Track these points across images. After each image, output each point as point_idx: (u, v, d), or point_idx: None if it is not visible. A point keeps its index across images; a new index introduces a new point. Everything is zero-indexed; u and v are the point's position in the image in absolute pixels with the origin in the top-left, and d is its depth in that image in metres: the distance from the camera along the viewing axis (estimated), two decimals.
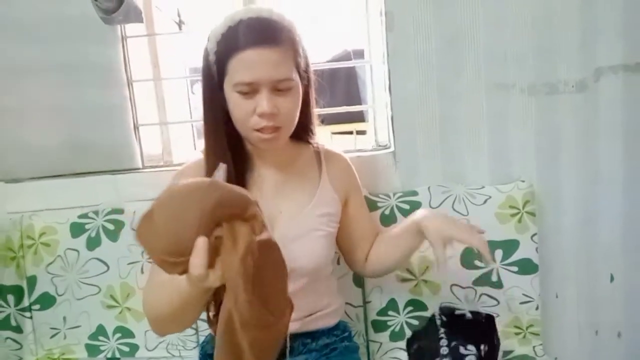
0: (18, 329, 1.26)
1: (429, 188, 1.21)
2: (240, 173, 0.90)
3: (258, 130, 0.82)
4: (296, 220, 0.91)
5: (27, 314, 1.25)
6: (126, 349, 1.24)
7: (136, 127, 1.33)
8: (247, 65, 0.78)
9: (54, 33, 1.24)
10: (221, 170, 0.65)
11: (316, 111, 0.99)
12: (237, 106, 0.81)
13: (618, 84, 1.17)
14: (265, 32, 0.79)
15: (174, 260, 0.58)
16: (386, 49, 1.22)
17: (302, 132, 0.95)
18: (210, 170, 0.90)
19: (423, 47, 1.19)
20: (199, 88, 0.92)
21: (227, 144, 0.88)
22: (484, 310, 1.18)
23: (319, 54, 2.22)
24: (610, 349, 1.26)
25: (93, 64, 1.26)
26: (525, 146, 1.22)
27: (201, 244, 0.56)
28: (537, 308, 1.20)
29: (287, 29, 0.82)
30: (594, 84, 1.18)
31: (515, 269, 1.19)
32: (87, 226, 1.24)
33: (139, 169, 1.32)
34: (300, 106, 0.87)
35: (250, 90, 0.79)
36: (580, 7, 1.16)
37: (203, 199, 0.58)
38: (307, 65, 0.88)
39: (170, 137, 1.42)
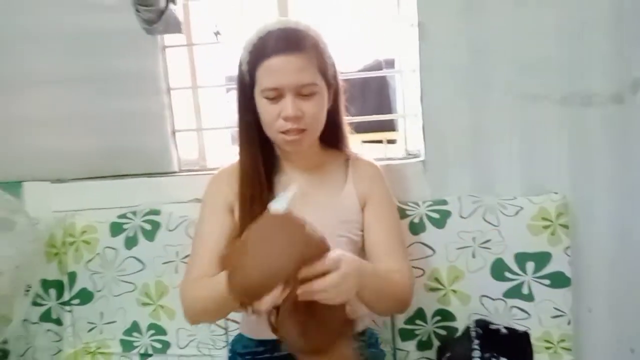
0: (58, 322, 1.32)
1: (459, 197, 1.21)
2: (269, 175, 0.95)
3: (283, 132, 0.87)
4: (318, 224, 0.92)
5: (67, 307, 1.31)
6: (159, 345, 1.28)
7: (174, 133, 1.37)
8: (272, 71, 0.84)
9: (98, 44, 1.31)
10: (293, 189, 0.72)
11: (348, 119, 1.01)
12: (265, 111, 0.87)
13: None
14: (289, 40, 0.84)
15: (250, 298, 0.67)
16: (418, 58, 1.23)
17: (333, 139, 0.98)
18: (243, 173, 0.93)
19: (455, 57, 1.20)
20: (233, 96, 0.97)
21: (258, 149, 0.93)
22: (515, 323, 1.17)
23: (350, 63, 2.25)
24: None
25: (134, 73, 1.32)
26: (558, 158, 1.20)
27: (278, 293, 0.66)
28: (569, 323, 1.17)
29: (311, 37, 0.87)
30: (631, 95, 1.16)
31: (547, 282, 1.17)
32: (125, 226, 1.29)
33: (175, 172, 1.37)
34: (325, 111, 0.91)
35: (276, 96, 0.85)
36: (615, 16, 1.14)
37: (294, 236, 0.68)
38: (334, 72, 0.92)
39: (206, 143, 1.46)
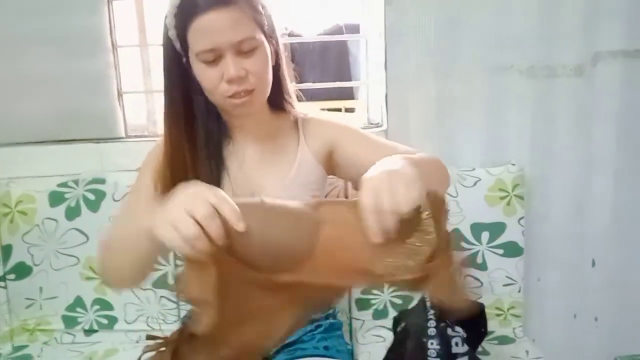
0: None
1: None
2: (217, 146, 0.88)
3: (230, 96, 0.80)
4: (277, 192, 0.88)
5: (2, 283, 1.22)
6: (105, 321, 1.22)
7: (120, 95, 1.28)
8: (204, 31, 0.75)
9: (38, 0, 1.19)
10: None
11: (306, 85, 0.96)
12: (204, 76, 0.79)
13: (616, 69, 1.17)
14: None
15: None
16: (384, 23, 1.18)
17: (277, 100, 0.91)
18: (170, 154, 0.85)
19: (422, 24, 1.17)
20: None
21: (184, 131, 0.84)
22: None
23: (309, 27, 2.17)
24: (587, 332, 1.29)
25: (77, 29, 1.21)
26: (520, 129, 1.22)
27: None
28: (519, 291, 1.21)
29: None
30: (592, 68, 1.17)
31: (501, 251, 1.19)
32: (66, 195, 1.20)
33: (122, 138, 1.28)
34: (270, 67, 0.83)
35: (214, 57, 0.77)
36: None
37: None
38: (272, 26, 0.84)
39: (155, 107, 1.37)
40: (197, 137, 0.85)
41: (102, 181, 1.20)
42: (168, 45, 0.81)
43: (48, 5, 1.19)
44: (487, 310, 1.17)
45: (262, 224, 0.63)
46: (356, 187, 0.90)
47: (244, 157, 0.89)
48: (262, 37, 0.80)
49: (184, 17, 0.76)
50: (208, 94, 0.82)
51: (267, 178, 0.89)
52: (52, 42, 1.21)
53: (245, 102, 0.80)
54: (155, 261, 0.76)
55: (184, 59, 0.81)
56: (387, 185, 0.59)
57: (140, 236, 0.67)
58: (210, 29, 0.75)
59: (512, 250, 1.19)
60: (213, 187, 0.61)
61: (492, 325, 1.20)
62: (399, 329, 1.15)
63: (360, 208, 0.60)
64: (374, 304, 1.23)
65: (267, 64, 0.82)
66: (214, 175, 0.86)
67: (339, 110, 2.07)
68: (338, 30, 2.16)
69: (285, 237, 0.64)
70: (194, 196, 0.59)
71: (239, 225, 0.59)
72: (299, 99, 0.96)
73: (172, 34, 0.79)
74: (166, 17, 0.80)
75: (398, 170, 0.62)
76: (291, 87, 0.93)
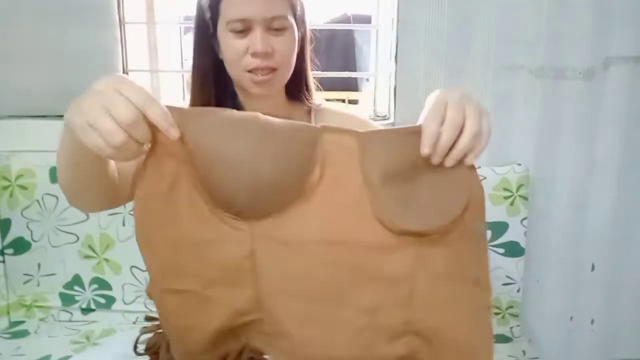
0: None
1: None
2: None
3: (250, 71, 0.78)
4: None
5: (0, 257, 1.20)
6: (102, 300, 1.22)
7: (126, 72, 1.26)
8: (239, 0, 0.75)
9: None
10: None
11: (314, 74, 0.94)
12: (230, 46, 0.77)
13: (626, 75, 1.16)
14: None
15: None
16: (396, 15, 1.17)
17: (296, 89, 0.90)
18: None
19: (435, 18, 1.15)
20: (190, 37, 0.87)
21: (214, 97, 0.84)
22: None
23: (317, 15, 2.15)
24: (583, 334, 1.29)
25: (84, 3, 1.18)
26: (526, 129, 1.21)
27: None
28: (518, 290, 1.21)
29: None
30: (602, 72, 1.17)
31: (502, 250, 1.19)
32: None
33: None
34: (295, 52, 0.82)
35: (243, 28, 0.75)
36: None
37: None
38: (303, 13, 0.83)
39: (160, 86, 1.35)
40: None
41: None
42: (199, 12, 0.80)
43: None
44: None
45: (230, 142, 0.53)
46: None
47: None
48: (293, 20, 0.79)
49: None
50: (229, 67, 0.80)
51: None
52: (57, 14, 1.18)
53: (265, 80, 0.79)
54: (99, 165, 0.62)
55: (211, 30, 0.79)
56: (467, 104, 0.56)
57: (66, 138, 0.59)
58: None
59: (513, 250, 1.19)
60: (136, 82, 0.51)
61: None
62: None
63: (427, 105, 0.56)
64: None
65: (294, 47, 0.80)
66: None
67: (343, 101, 2.06)
68: (345, 20, 2.15)
69: (264, 161, 0.52)
70: (114, 91, 0.49)
71: (171, 133, 0.51)
72: (317, 88, 0.94)
73: (205, 2, 0.78)
74: None
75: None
76: (310, 76, 0.91)
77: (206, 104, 0.83)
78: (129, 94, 0.49)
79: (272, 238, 0.56)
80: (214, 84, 0.83)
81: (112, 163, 0.65)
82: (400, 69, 1.20)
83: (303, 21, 0.83)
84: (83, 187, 0.67)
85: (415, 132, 0.55)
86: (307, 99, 0.91)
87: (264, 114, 0.73)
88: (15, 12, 1.19)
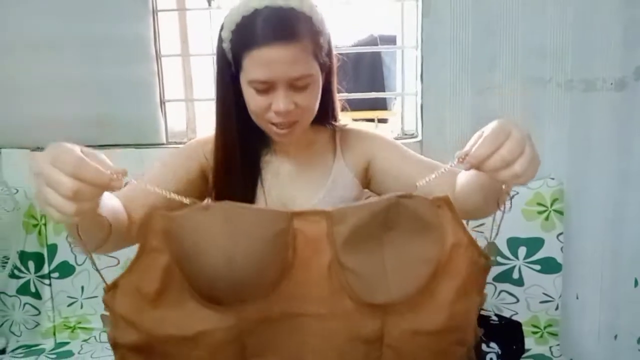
0: (37, 295, 1.27)
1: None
2: (255, 157, 0.87)
3: (273, 124, 0.79)
4: (310, 206, 0.86)
5: (47, 281, 1.27)
6: None
7: (162, 103, 1.32)
8: (262, 63, 0.73)
9: (85, 5, 1.24)
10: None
11: (340, 96, 0.95)
12: (253, 101, 0.78)
13: None
14: (281, 27, 0.73)
15: None
16: (420, 35, 1.19)
17: (322, 116, 0.89)
18: (219, 151, 0.84)
19: (459, 35, 1.17)
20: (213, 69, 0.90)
21: (237, 130, 0.83)
22: (504, 307, 1.18)
23: (344, 37, 2.18)
24: (629, 354, 1.23)
25: (123, 38, 1.25)
26: (557, 143, 1.19)
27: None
28: (556, 308, 1.18)
29: (305, 18, 0.75)
30: (634, 82, 1.14)
31: (538, 267, 1.17)
32: None
33: (163, 144, 1.32)
34: (319, 97, 0.81)
35: (266, 88, 0.75)
36: (623, 3, 1.12)
37: None
38: (329, 49, 0.82)
39: (196, 114, 1.41)
40: (240, 146, 0.84)
41: None
42: (221, 55, 0.79)
43: (95, 12, 1.24)
44: (523, 328, 1.15)
45: (206, 243, 0.56)
46: None
47: (279, 169, 0.89)
48: (318, 69, 0.78)
49: (242, 41, 0.74)
50: (252, 115, 0.81)
51: (300, 191, 0.88)
52: (98, 48, 1.25)
53: (287, 132, 0.79)
54: (99, 227, 0.64)
55: (234, 72, 0.79)
56: (528, 145, 0.54)
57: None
58: (269, 62, 0.72)
59: (550, 266, 1.17)
60: (64, 147, 0.51)
61: (528, 343, 1.17)
62: None
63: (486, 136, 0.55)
64: None
65: (317, 98, 0.80)
66: (249, 184, 0.85)
67: (372, 120, 2.08)
68: (372, 42, 2.18)
69: (238, 261, 0.55)
70: (49, 168, 0.49)
71: (113, 186, 0.52)
72: (344, 109, 0.94)
73: (227, 47, 0.78)
74: (222, 29, 0.78)
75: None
76: (337, 103, 0.91)
77: (229, 136, 0.83)
78: (60, 166, 0.49)
79: (257, 319, 0.59)
80: (237, 117, 0.82)
81: (117, 215, 0.67)
82: (426, 87, 1.21)
83: (329, 54, 0.82)
84: (100, 247, 0.69)
85: (383, 207, 0.57)
86: (333, 120, 0.91)
87: (290, 143, 0.83)
88: (54, 45, 1.26)
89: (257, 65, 0.73)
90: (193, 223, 0.57)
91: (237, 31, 0.75)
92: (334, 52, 0.84)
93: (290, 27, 0.73)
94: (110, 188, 0.52)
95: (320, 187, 0.89)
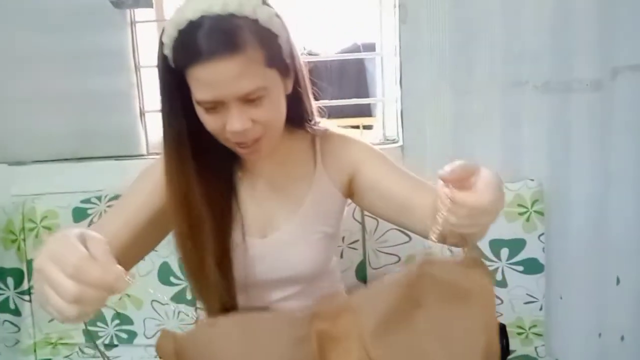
0: (16, 312, 1.25)
1: (436, 184, 1.19)
2: (226, 176, 0.80)
3: (236, 142, 0.71)
4: (290, 222, 0.81)
5: (26, 297, 1.24)
6: (124, 335, 1.24)
7: (142, 114, 1.31)
8: (205, 82, 0.64)
9: (61, 18, 1.23)
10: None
11: (323, 103, 0.91)
12: (206, 121, 0.69)
13: (635, 84, 1.15)
14: (219, 39, 0.63)
15: None
16: (399, 41, 1.20)
17: (296, 120, 0.81)
18: (170, 181, 0.73)
19: (437, 40, 1.18)
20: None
21: (190, 167, 0.73)
22: None
23: (327, 46, 2.20)
24: (613, 352, 1.24)
25: (101, 49, 1.25)
26: (536, 145, 1.21)
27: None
28: (541, 308, 1.18)
29: (249, 23, 0.65)
30: (610, 82, 1.16)
31: (521, 268, 1.17)
32: (89, 211, 1.22)
33: (143, 155, 1.31)
34: (283, 105, 0.73)
35: (215, 106, 0.67)
36: (598, 5, 1.14)
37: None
38: (290, 51, 0.72)
39: None
40: (205, 167, 0.75)
41: None
42: (164, 63, 0.68)
43: (73, 24, 1.23)
44: (508, 329, 1.15)
45: (229, 349, 0.52)
46: (375, 212, 0.83)
47: (254, 186, 0.82)
48: (276, 75, 0.69)
49: (181, 58, 0.65)
50: (212, 134, 0.72)
51: (279, 208, 0.82)
52: (77, 60, 1.24)
53: (252, 150, 0.72)
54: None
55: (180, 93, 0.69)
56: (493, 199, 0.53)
57: None
58: (212, 80, 0.64)
59: (532, 267, 1.17)
60: (68, 240, 0.48)
61: (513, 344, 1.17)
62: None
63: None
64: None
65: (279, 108, 0.72)
66: (225, 209, 0.77)
67: (357, 127, 2.09)
68: (356, 50, 2.19)
69: None
70: (51, 265, 0.46)
71: (117, 287, 0.48)
72: (321, 115, 0.87)
73: (169, 54, 0.67)
74: (162, 34, 0.67)
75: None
76: (313, 105, 0.84)
77: (192, 161, 0.73)
78: (62, 266, 0.46)
79: None
80: (190, 150, 0.72)
81: None
82: (406, 93, 1.22)
83: (291, 56, 0.73)
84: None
85: (408, 283, 0.52)
86: (309, 124, 0.83)
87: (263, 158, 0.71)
88: (32, 58, 1.25)
89: (200, 84, 0.65)
90: (206, 341, 0.52)
91: (176, 48, 0.65)
92: (297, 53, 0.76)
93: (230, 38, 0.63)
94: (115, 290, 0.47)
95: (300, 202, 0.82)
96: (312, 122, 0.83)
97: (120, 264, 0.49)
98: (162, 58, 0.68)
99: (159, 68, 0.69)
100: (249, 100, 0.66)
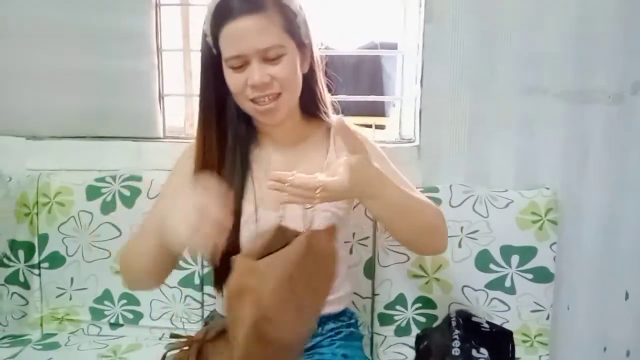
0: (25, 285, 1.25)
1: (450, 186, 1.19)
2: (244, 150, 0.88)
3: (253, 101, 0.81)
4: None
5: (36, 271, 1.25)
6: (130, 316, 1.24)
7: (161, 97, 1.31)
8: (232, 38, 0.77)
9: None
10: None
11: (341, 98, 0.95)
12: (231, 80, 0.81)
13: None
14: (246, 1, 0.77)
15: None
16: (422, 40, 1.20)
17: (311, 107, 0.91)
18: (201, 156, 0.87)
19: (460, 42, 1.17)
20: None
21: (215, 133, 0.87)
22: (495, 315, 1.18)
23: (344, 43, 2.19)
24: None
25: (125, 30, 1.25)
26: (553, 153, 1.20)
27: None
28: (547, 318, 1.18)
29: None
30: (631, 97, 1.16)
31: (531, 276, 1.17)
32: (103, 190, 1.23)
33: (159, 138, 1.31)
34: (300, 73, 0.83)
35: (241, 63, 0.78)
36: (623, 17, 1.13)
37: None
38: (306, 31, 0.84)
39: (194, 110, 1.40)
40: (226, 140, 0.87)
41: (138, 178, 1.23)
42: (205, 49, 0.83)
43: (98, 3, 1.24)
44: (513, 336, 1.15)
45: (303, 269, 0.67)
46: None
47: (269, 163, 0.89)
48: (292, 44, 0.80)
49: (216, 23, 0.79)
50: (235, 99, 0.84)
51: None
52: (99, 39, 1.25)
53: (270, 108, 0.81)
54: (169, 262, 0.83)
55: (216, 55, 0.82)
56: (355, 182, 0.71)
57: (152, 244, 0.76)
58: (237, 35, 0.76)
59: (542, 275, 1.16)
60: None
61: (518, 351, 1.16)
62: (421, 347, 1.14)
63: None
64: (397, 320, 1.21)
65: (295, 72, 0.82)
66: (239, 179, 0.86)
67: (370, 126, 2.08)
68: (373, 48, 2.19)
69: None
70: (201, 212, 0.65)
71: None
72: (335, 111, 0.95)
73: (209, 39, 0.82)
74: (204, 22, 0.82)
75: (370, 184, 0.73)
76: (327, 95, 0.92)
77: (220, 134, 0.87)
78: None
79: None
80: (217, 122, 0.87)
81: None
82: (426, 93, 1.22)
83: (308, 39, 0.84)
84: (154, 276, 0.85)
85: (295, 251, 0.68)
86: (324, 117, 0.92)
87: (278, 135, 0.90)
88: (55, 34, 1.25)
89: (229, 41, 0.78)
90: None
91: (212, 18, 0.80)
92: (313, 36, 0.86)
93: (255, 0, 0.77)
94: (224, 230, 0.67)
95: None
96: (326, 111, 0.91)
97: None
98: (205, 49, 0.83)
99: (202, 51, 0.84)
100: (267, 58, 0.78)
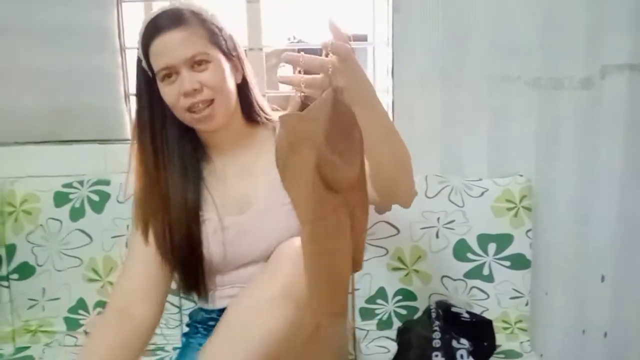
0: None
1: (425, 177, 1.18)
2: (194, 166, 0.90)
3: (189, 110, 0.83)
4: (264, 196, 0.90)
5: (5, 283, 1.21)
6: None
7: (127, 96, 1.28)
8: (159, 51, 0.82)
9: None
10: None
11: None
12: (166, 95, 0.84)
13: (623, 83, 1.15)
14: (168, 18, 0.82)
15: None
16: (391, 31, 1.18)
17: (252, 114, 0.94)
18: (144, 183, 0.87)
19: (429, 31, 1.16)
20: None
21: (162, 149, 0.88)
22: (474, 304, 1.18)
23: (316, 36, 2.17)
24: (596, 348, 1.25)
25: (87, 28, 1.22)
26: (525, 140, 1.20)
27: None
28: (526, 304, 1.19)
29: (192, 11, 0.84)
30: (600, 81, 1.16)
31: (508, 263, 1.17)
32: (71, 196, 1.20)
33: (127, 140, 1.27)
34: (231, 81, 0.87)
35: (171, 74, 0.82)
36: (589, 3, 1.13)
37: None
38: (232, 45, 0.88)
39: None
40: (172, 163, 0.88)
41: (106, 182, 1.20)
42: (141, 75, 0.87)
43: None
44: (494, 324, 1.16)
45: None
46: None
47: (224, 173, 0.92)
48: (219, 54, 0.85)
49: (145, 42, 0.83)
50: (174, 112, 0.86)
51: (252, 188, 0.91)
52: (60, 36, 1.21)
53: (206, 115, 0.83)
54: None
55: (150, 75, 0.85)
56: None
57: None
58: (164, 48, 0.81)
59: (519, 262, 1.17)
60: None
61: (498, 339, 1.17)
62: (402, 340, 1.14)
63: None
64: (378, 314, 1.21)
65: (224, 78, 0.85)
66: (193, 193, 0.88)
67: None
68: None
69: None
70: None
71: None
72: (274, 109, 0.98)
73: (144, 63, 0.85)
74: (137, 48, 0.86)
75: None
76: (262, 100, 0.96)
77: (163, 155, 0.87)
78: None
79: None
80: (170, 132, 0.88)
81: None
82: (397, 85, 1.21)
83: (234, 51, 0.88)
84: None
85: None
86: (264, 116, 0.96)
87: (227, 145, 0.91)
88: (14, 31, 1.21)
89: (157, 55, 0.82)
90: None
91: (141, 38, 0.84)
92: (240, 50, 0.90)
93: (176, 16, 0.82)
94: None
95: (269, 177, 0.87)
96: (264, 115, 0.95)
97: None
98: (139, 69, 0.86)
99: (137, 71, 0.87)
100: (196, 64, 0.82)
